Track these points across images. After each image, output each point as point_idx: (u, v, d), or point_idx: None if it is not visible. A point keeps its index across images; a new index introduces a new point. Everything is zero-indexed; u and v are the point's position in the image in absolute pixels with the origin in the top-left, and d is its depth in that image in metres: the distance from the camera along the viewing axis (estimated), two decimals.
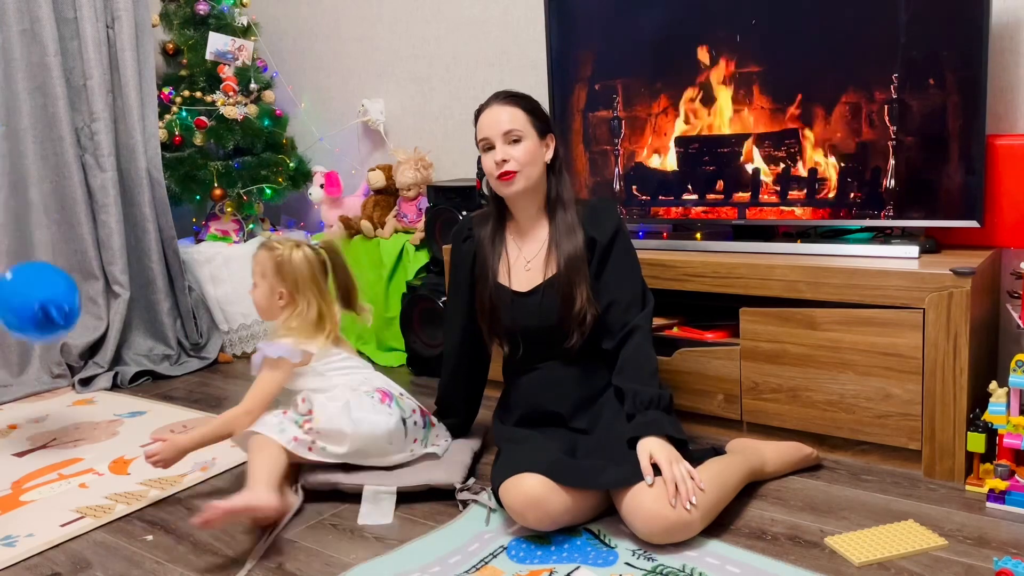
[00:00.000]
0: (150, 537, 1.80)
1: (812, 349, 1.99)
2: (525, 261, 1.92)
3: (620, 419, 1.78)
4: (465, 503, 1.83)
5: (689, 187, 2.35)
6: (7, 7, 2.88)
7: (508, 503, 1.67)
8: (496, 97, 1.88)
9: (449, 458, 1.99)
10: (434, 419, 2.07)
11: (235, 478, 2.08)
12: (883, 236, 2.11)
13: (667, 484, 1.58)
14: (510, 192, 1.86)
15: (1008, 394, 1.72)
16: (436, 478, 1.89)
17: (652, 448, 1.64)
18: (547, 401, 1.89)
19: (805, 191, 2.18)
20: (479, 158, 2.71)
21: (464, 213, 2.73)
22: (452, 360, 2.06)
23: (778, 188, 2.22)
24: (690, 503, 1.58)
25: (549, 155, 1.89)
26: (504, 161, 1.82)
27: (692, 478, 1.61)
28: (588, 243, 1.86)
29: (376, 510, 1.82)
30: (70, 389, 2.94)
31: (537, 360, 1.91)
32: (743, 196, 2.27)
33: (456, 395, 2.10)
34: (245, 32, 3.36)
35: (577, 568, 1.56)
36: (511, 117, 1.84)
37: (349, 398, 1.92)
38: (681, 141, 2.34)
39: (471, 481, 1.92)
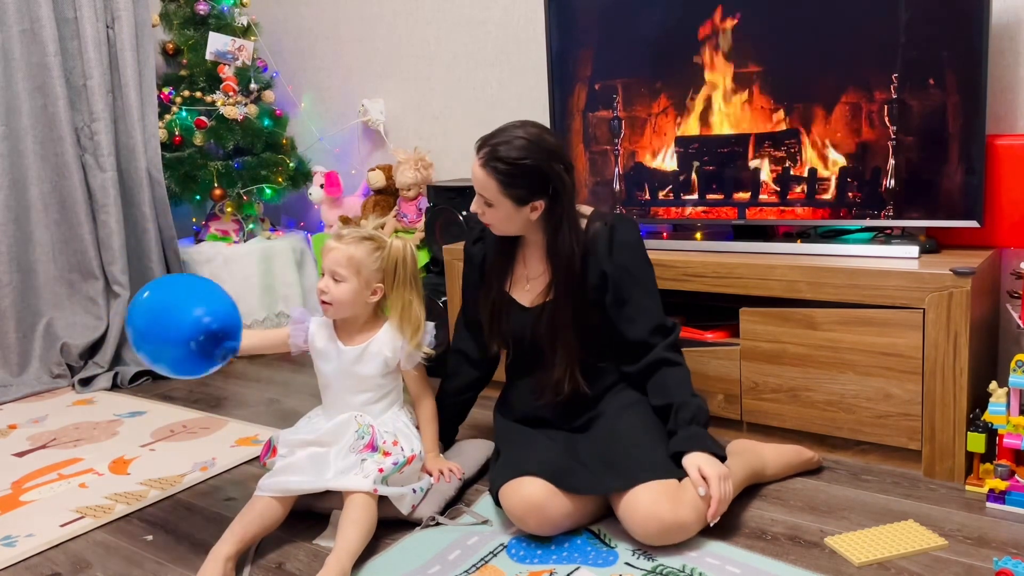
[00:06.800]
0: (150, 537, 1.80)
1: (812, 349, 1.99)
2: (527, 280, 1.90)
3: (620, 423, 1.78)
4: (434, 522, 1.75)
5: (689, 187, 2.35)
6: (7, 7, 2.88)
7: (508, 508, 1.66)
8: (481, 147, 1.76)
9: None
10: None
11: (234, 478, 2.09)
12: (883, 236, 2.11)
13: (713, 500, 1.60)
14: (495, 233, 1.86)
15: (1008, 394, 1.72)
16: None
17: (701, 462, 1.63)
18: (539, 407, 1.88)
19: (805, 191, 2.18)
20: None
21: (464, 213, 2.73)
22: (455, 359, 2.07)
23: (778, 188, 2.22)
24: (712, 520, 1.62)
25: (535, 216, 1.78)
26: (482, 213, 1.81)
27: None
28: (600, 275, 1.80)
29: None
30: (70, 389, 2.95)
31: (532, 367, 1.89)
32: (743, 196, 2.27)
33: (447, 396, 2.06)
34: (245, 32, 3.36)
35: (577, 568, 1.56)
36: (483, 184, 1.75)
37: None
38: (681, 141, 2.34)
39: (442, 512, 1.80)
